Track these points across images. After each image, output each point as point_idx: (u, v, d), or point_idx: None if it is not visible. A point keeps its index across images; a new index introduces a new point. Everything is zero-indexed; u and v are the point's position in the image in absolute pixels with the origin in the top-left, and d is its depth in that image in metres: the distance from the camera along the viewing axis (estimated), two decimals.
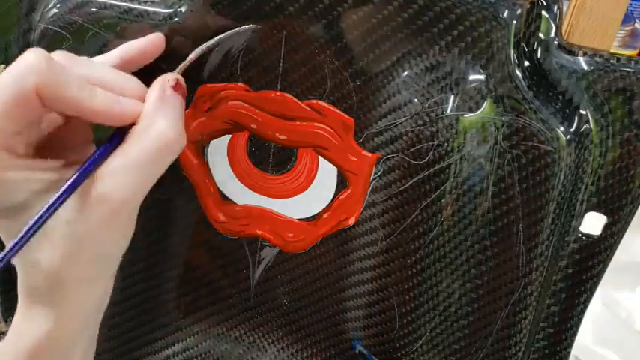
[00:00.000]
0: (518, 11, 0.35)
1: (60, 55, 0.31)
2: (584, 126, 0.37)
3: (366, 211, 0.42)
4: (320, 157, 0.41)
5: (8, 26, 0.44)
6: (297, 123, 0.40)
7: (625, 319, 0.73)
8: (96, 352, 0.52)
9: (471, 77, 0.36)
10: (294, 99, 0.40)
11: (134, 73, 0.36)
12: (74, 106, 0.29)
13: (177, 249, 0.46)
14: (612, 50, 0.38)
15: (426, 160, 0.38)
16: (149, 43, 0.37)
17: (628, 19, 0.94)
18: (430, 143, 0.38)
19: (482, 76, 0.36)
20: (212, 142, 0.43)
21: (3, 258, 0.29)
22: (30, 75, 0.28)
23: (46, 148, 0.31)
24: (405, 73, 0.38)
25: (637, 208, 0.39)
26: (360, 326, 0.45)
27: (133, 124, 0.31)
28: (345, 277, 0.44)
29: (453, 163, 0.38)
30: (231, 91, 0.41)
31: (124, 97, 0.31)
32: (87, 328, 0.34)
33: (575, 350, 0.45)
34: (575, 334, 0.44)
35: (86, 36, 0.41)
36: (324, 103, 0.39)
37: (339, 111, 0.39)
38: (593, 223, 0.40)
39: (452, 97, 0.37)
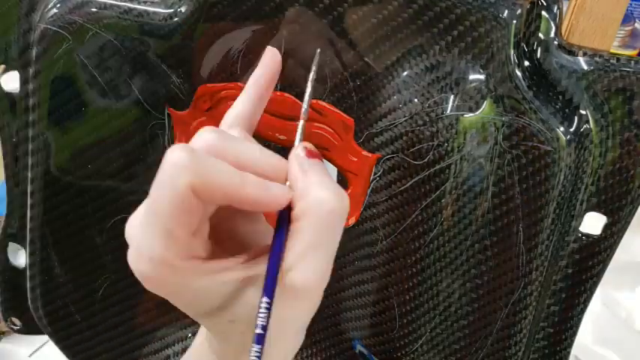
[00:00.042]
0: (518, 11, 0.35)
1: (207, 135, 0.30)
2: (584, 126, 0.37)
3: (366, 211, 0.42)
4: None
5: (8, 26, 0.44)
6: (297, 123, 0.40)
7: (625, 319, 0.73)
8: (96, 352, 0.52)
9: (471, 77, 0.36)
10: (294, 99, 0.40)
11: None
12: (228, 196, 0.28)
13: None
14: (612, 50, 0.38)
15: (426, 160, 0.38)
16: (274, 65, 0.36)
17: (628, 19, 0.94)
18: (430, 143, 0.38)
19: (482, 76, 0.36)
20: None
21: None
22: (181, 176, 0.27)
23: (219, 243, 0.31)
24: (405, 73, 0.38)
25: (637, 208, 0.39)
26: (360, 326, 0.45)
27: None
28: (345, 277, 0.44)
29: (453, 163, 0.38)
30: (231, 91, 0.41)
31: (273, 183, 0.30)
32: None
33: (575, 350, 0.45)
34: (575, 334, 0.44)
35: (86, 36, 0.41)
36: (324, 103, 0.39)
37: (339, 111, 0.39)
38: (593, 223, 0.40)
39: (452, 97, 0.37)
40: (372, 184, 0.41)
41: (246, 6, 0.38)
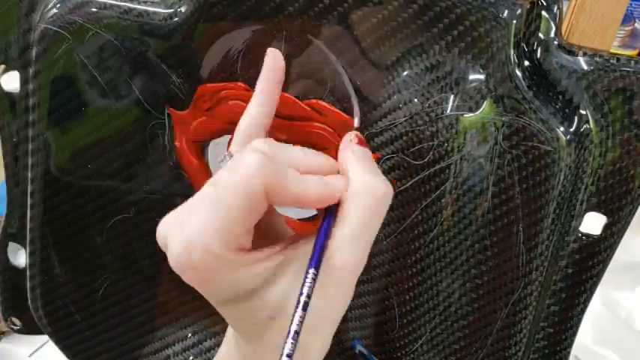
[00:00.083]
0: (518, 11, 0.35)
1: (265, 147, 0.31)
2: (584, 126, 0.37)
3: None
4: None
5: (8, 26, 0.44)
6: (297, 123, 0.40)
7: (625, 319, 0.73)
8: (96, 352, 0.52)
9: (471, 77, 0.36)
10: (294, 99, 0.40)
11: None
12: (294, 199, 0.30)
13: None
14: (612, 50, 0.38)
15: (426, 160, 0.38)
16: (278, 67, 0.37)
17: (628, 19, 0.94)
18: (430, 143, 0.38)
19: (482, 76, 0.36)
20: (212, 142, 0.44)
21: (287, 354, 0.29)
22: (257, 177, 0.28)
23: (257, 236, 0.32)
24: (405, 72, 0.38)
25: (637, 208, 0.39)
26: (360, 326, 0.45)
27: None
28: None
29: (453, 163, 0.38)
30: (231, 91, 0.41)
31: (328, 177, 0.32)
32: None
33: (575, 350, 0.45)
34: (575, 334, 0.44)
35: (86, 36, 0.41)
36: (324, 103, 0.39)
37: (339, 111, 0.39)
38: (593, 223, 0.40)
39: (452, 97, 0.37)
40: None
41: (246, 6, 0.38)
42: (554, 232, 0.39)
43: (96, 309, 0.50)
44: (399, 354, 0.44)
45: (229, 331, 0.37)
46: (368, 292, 0.44)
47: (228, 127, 0.42)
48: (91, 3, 0.40)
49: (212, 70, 0.40)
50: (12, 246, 0.52)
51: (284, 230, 0.36)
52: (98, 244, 0.47)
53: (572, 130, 0.37)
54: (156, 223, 0.31)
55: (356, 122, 0.37)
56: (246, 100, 0.40)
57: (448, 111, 0.37)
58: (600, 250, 0.40)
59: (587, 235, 0.40)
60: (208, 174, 0.44)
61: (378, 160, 0.40)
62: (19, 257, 0.52)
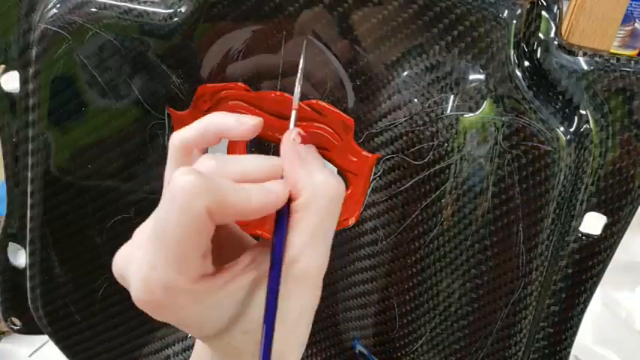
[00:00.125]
0: (518, 11, 0.35)
1: (206, 162, 0.30)
2: (584, 126, 0.37)
3: (366, 211, 0.42)
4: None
5: (8, 26, 0.44)
6: (297, 123, 0.40)
7: (625, 319, 0.73)
8: (96, 352, 0.52)
9: (471, 77, 0.36)
10: None
11: None
12: (237, 212, 0.29)
13: None
14: (612, 50, 0.38)
15: (426, 160, 0.38)
16: (242, 129, 0.33)
17: (628, 19, 0.94)
18: (430, 143, 0.38)
19: (482, 76, 0.36)
20: None
21: None
22: (197, 200, 0.27)
23: (214, 255, 0.31)
24: (405, 73, 0.38)
25: (637, 208, 0.39)
26: (360, 326, 0.45)
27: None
28: (345, 277, 0.44)
29: (453, 163, 0.38)
30: (231, 91, 0.41)
31: (270, 183, 0.30)
32: None
33: (575, 350, 0.45)
34: (575, 334, 0.44)
35: (86, 36, 0.41)
36: (324, 103, 0.39)
37: (339, 111, 0.39)
38: (593, 223, 0.40)
39: (452, 97, 0.37)
40: (372, 184, 0.41)
41: (246, 6, 0.38)
42: (554, 232, 0.39)
43: (96, 309, 0.50)
44: (399, 354, 0.44)
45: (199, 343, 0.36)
46: (368, 292, 0.44)
47: None
48: (91, 3, 0.40)
49: (212, 70, 0.40)
50: (12, 246, 0.51)
51: (245, 237, 0.35)
52: (98, 244, 0.47)
53: (572, 130, 0.37)
54: None
55: (294, 98, 0.34)
56: (246, 100, 0.41)
57: (448, 111, 0.37)
58: (600, 250, 0.40)
59: (587, 235, 0.40)
60: None
61: (378, 160, 0.40)
62: (19, 257, 0.52)
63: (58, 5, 0.41)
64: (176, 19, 0.40)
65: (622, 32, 0.93)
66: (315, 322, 0.47)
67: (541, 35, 0.36)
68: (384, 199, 0.41)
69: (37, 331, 0.53)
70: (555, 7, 0.36)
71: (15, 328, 0.55)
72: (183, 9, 0.39)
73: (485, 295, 0.41)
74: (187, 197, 0.27)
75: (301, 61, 0.35)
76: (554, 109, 0.37)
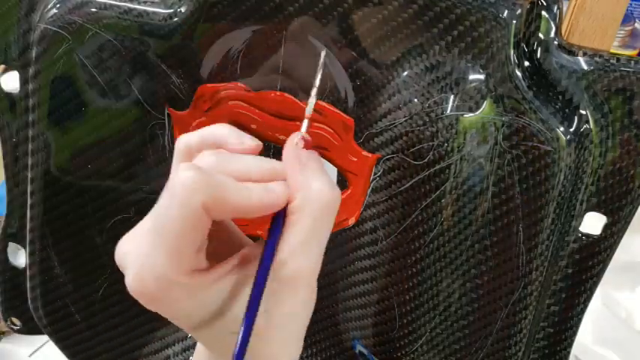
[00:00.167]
0: (518, 11, 0.35)
1: (207, 157, 0.31)
2: (584, 126, 0.37)
3: (366, 211, 0.42)
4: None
5: (8, 26, 0.44)
6: (297, 123, 0.40)
7: (625, 319, 0.73)
8: (96, 352, 0.52)
9: (471, 77, 0.36)
10: (294, 99, 0.40)
11: None
12: (236, 209, 0.29)
13: None
14: (612, 50, 0.38)
15: (426, 160, 0.38)
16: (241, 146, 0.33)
17: (628, 19, 0.94)
18: (430, 143, 0.38)
19: (482, 76, 0.36)
20: None
21: None
22: (194, 195, 0.27)
23: (210, 252, 0.31)
24: (405, 73, 0.38)
25: (637, 208, 0.39)
26: (360, 326, 0.45)
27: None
28: (345, 277, 0.44)
29: (453, 163, 0.38)
30: (231, 91, 0.41)
31: (272, 184, 0.31)
32: None
33: (575, 350, 0.45)
34: (575, 334, 0.44)
35: (86, 36, 0.41)
36: (324, 103, 0.39)
37: (339, 111, 0.39)
38: (593, 223, 0.40)
39: (452, 97, 0.37)
40: (372, 184, 0.41)
41: (246, 6, 0.38)
42: (554, 232, 0.39)
43: (96, 309, 0.50)
44: (399, 354, 0.44)
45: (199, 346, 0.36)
46: (368, 292, 0.44)
47: None
48: (91, 3, 0.40)
49: (212, 70, 0.40)
50: (12, 246, 0.52)
51: (240, 236, 0.35)
52: (98, 244, 0.47)
53: (572, 130, 0.37)
54: None
55: (308, 109, 0.34)
56: (246, 100, 0.41)
57: (448, 111, 0.37)
58: (600, 250, 0.40)
59: (587, 235, 0.40)
60: None
61: (378, 160, 0.40)
62: (19, 257, 0.52)
63: (58, 5, 0.41)
64: (176, 19, 0.40)
65: (622, 32, 0.93)
66: (315, 322, 0.47)
67: (541, 35, 0.36)
68: (384, 199, 0.41)
69: (37, 331, 0.53)
70: (555, 7, 0.36)
71: (15, 328, 0.55)
72: (183, 9, 0.39)
73: (485, 295, 0.41)
74: (186, 192, 0.27)
75: (319, 71, 0.35)
76: (554, 109, 0.37)
